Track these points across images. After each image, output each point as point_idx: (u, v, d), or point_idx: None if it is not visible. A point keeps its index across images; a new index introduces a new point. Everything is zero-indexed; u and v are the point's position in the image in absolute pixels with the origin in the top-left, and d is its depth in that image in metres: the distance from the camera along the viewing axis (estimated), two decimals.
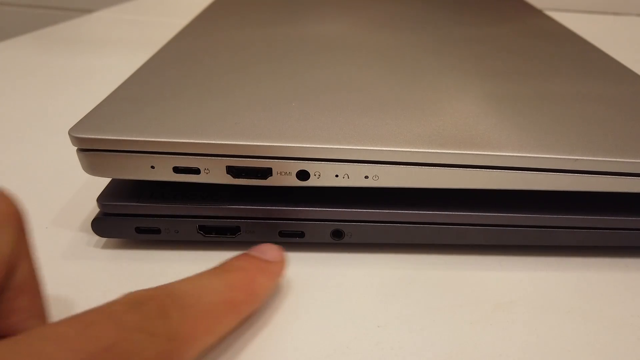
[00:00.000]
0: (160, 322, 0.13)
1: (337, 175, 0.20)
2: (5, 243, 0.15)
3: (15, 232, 0.15)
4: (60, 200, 0.25)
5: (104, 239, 0.23)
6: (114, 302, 0.14)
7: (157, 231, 0.22)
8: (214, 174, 0.20)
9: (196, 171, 0.20)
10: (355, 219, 0.22)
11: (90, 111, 0.21)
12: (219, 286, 0.16)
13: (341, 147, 0.19)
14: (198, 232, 0.22)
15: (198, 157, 0.19)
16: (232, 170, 0.20)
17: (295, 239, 0.22)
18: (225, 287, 0.17)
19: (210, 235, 0.22)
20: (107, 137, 0.19)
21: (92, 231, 0.22)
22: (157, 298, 0.14)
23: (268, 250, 0.19)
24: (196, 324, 0.15)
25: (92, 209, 0.25)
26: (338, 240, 0.22)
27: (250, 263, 0.18)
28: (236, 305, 0.17)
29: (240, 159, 0.19)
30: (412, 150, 0.19)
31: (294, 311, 0.19)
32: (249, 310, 0.18)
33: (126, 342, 0.12)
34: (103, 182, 0.22)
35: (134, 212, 0.21)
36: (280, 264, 0.20)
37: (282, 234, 0.22)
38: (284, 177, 0.20)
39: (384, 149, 0.19)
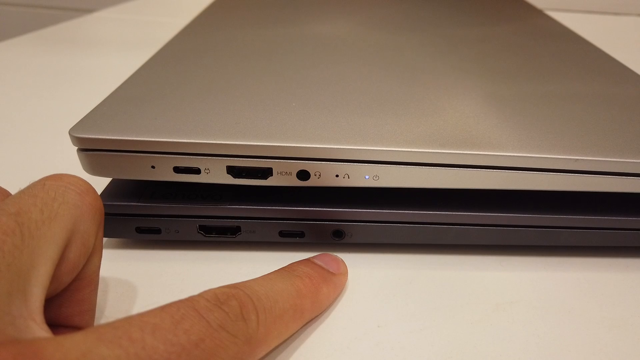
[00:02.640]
0: (241, 325, 0.14)
1: (337, 175, 0.20)
2: (92, 234, 0.15)
3: (97, 226, 0.15)
4: None
5: (104, 239, 0.23)
6: (197, 297, 0.14)
7: (158, 231, 0.22)
8: (214, 174, 0.20)
9: (196, 171, 0.20)
10: (355, 219, 0.22)
11: (91, 111, 0.21)
12: (290, 291, 0.17)
13: (341, 147, 0.19)
14: (198, 232, 0.22)
15: (198, 157, 0.19)
16: (232, 170, 0.20)
17: (295, 238, 0.22)
18: (295, 293, 0.17)
19: (211, 235, 0.22)
20: (107, 137, 0.19)
21: None
22: (237, 297, 0.14)
23: (330, 262, 0.20)
24: (269, 329, 0.15)
25: None
26: (338, 240, 0.22)
27: (315, 271, 0.19)
28: (302, 313, 0.17)
29: (241, 159, 0.19)
30: (412, 150, 0.19)
31: None
32: (311, 318, 0.18)
33: (212, 339, 0.13)
34: (103, 182, 0.22)
35: (135, 212, 0.21)
36: (343, 276, 0.20)
37: (282, 234, 0.22)
38: (284, 177, 0.20)
39: (384, 149, 0.19)
